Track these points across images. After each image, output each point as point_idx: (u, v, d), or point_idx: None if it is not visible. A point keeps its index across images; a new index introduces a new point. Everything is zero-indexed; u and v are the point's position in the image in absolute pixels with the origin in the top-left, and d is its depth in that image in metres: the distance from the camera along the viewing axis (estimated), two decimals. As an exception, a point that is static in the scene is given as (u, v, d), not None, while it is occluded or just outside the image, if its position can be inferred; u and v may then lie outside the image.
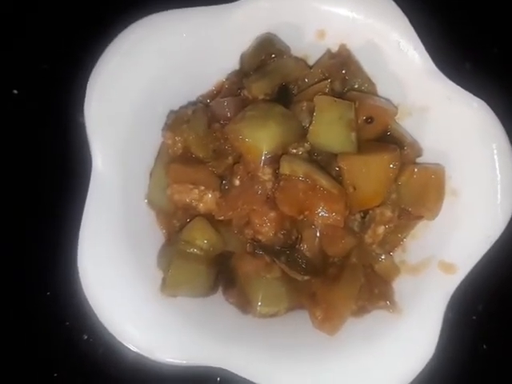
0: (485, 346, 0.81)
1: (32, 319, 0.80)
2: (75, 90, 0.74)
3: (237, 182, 0.70)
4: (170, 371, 0.69)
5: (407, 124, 0.77)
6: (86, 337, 0.79)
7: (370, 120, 0.72)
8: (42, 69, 0.89)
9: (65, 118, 0.81)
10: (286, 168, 0.67)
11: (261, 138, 0.68)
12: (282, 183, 0.67)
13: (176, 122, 0.74)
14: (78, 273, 0.67)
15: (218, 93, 0.80)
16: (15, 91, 0.88)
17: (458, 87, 0.72)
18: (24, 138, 0.86)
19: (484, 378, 0.80)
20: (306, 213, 0.68)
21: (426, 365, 0.66)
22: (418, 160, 0.76)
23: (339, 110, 0.69)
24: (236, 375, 0.66)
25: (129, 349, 0.66)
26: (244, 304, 0.72)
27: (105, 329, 0.67)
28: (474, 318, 0.81)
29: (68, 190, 0.77)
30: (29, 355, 0.79)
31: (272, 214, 0.68)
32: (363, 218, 0.72)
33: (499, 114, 0.71)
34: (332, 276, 0.71)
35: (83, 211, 0.69)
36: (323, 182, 0.67)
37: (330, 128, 0.69)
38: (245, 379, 0.66)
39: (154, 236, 0.75)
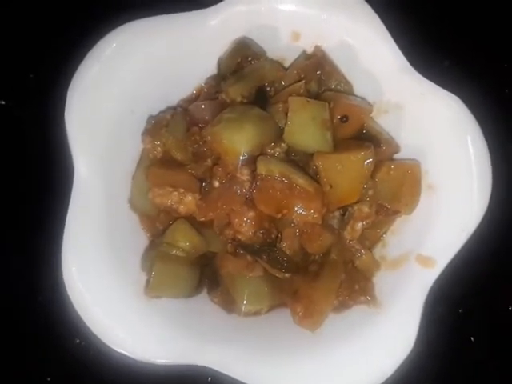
0: (472, 339, 0.81)
1: (24, 324, 0.81)
2: (60, 97, 0.74)
3: (216, 184, 0.71)
4: (161, 372, 0.70)
5: (384, 121, 0.79)
6: (77, 341, 0.79)
7: (345, 119, 0.73)
8: (28, 78, 0.90)
9: (48, 126, 0.82)
10: (262, 168, 0.68)
11: (238, 139, 0.70)
12: (259, 183, 0.68)
13: (155, 126, 0.75)
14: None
15: (197, 97, 0.81)
16: (2, 102, 0.90)
17: (431, 83, 0.73)
18: (10, 146, 0.87)
19: (472, 370, 0.80)
20: (285, 211, 0.69)
21: (414, 358, 0.67)
22: (395, 156, 0.77)
23: (312, 111, 0.70)
24: (226, 375, 0.67)
25: (119, 352, 0.67)
26: (228, 303, 0.73)
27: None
28: (461, 311, 0.82)
29: (51, 196, 0.78)
30: (21, 360, 0.80)
31: (251, 214, 0.69)
32: (342, 214, 0.73)
33: (475, 109, 0.72)
34: (313, 273, 0.72)
35: (67, 216, 0.70)
36: (299, 180, 0.68)
37: (304, 128, 0.70)
38: (234, 378, 0.67)
39: (137, 239, 0.76)
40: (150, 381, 0.75)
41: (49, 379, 0.79)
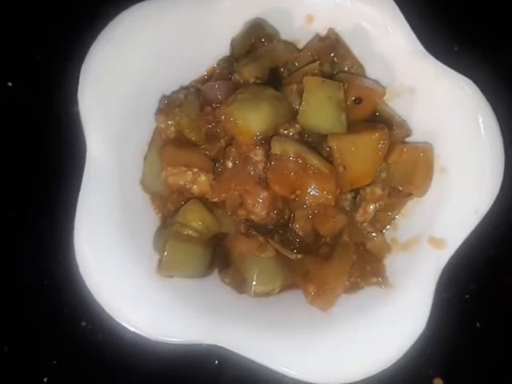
0: (478, 324, 0.81)
1: (30, 308, 0.80)
2: (69, 79, 0.74)
3: (229, 164, 0.71)
4: (169, 355, 0.70)
5: (396, 104, 0.78)
6: (84, 323, 0.79)
7: (358, 101, 0.73)
8: (35, 60, 0.89)
9: (59, 107, 0.81)
10: (276, 148, 0.68)
11: (252, 119, 0.69)
12: (273, 163, 0.68)
13: (168, 105, 0.75)
14: (75, 258, 0.68)
15: (209, 78, 0.81)
16: (10, 83, 0.89)
17: (444, 66, 0.73)
18: (20, 128, 0.86)
19: (478, 355, 0.80)
20: (298, 192, 0.69)
21: (420, 342, 0.67)
22: (408, 139, 0.77)
23: (328, 91, 0.70)
24: (233, 357, 0.67)
25: (127, 333, 0.67)
26: (239, 284, 0.73)
27: (103, 314, 0.67)
28: (467, 296, 0.82)
29: (63, 177, 0.78)
30: (28, 343, 0.79)
31: (264, 194, 0.69)
32: (354, 197, 0.73)
33: (487, 93, 0.72)
34: (325, 255, 0.72)
35: (79, 197, 0.69)
36: (314, 161, 0.68)
37: (319, 108, 0.70)
38: (241, 360, 0.67)
39: (149, 219, 0.75)
40: (157, 365, 0.75)
41: (55, 362, 0.79)
